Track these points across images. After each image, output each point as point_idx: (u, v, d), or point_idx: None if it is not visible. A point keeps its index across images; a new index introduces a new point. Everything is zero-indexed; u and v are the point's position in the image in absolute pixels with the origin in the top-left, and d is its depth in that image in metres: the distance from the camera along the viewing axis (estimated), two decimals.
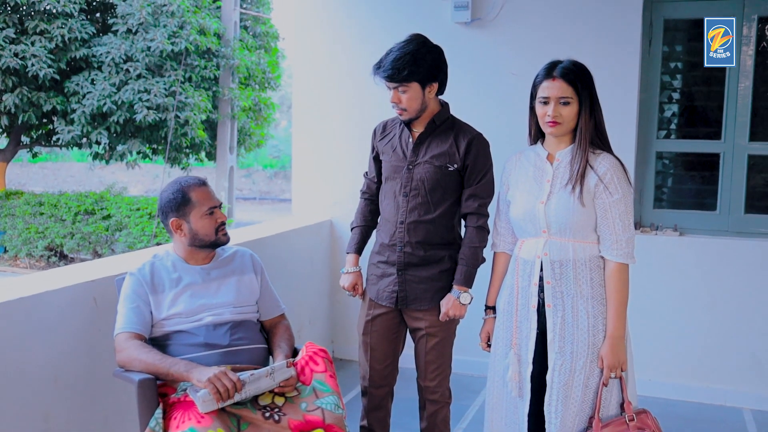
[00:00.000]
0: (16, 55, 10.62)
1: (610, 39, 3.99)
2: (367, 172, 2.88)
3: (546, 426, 2.29)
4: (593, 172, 2.22)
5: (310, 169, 4.73)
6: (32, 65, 10.62)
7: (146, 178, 20.69)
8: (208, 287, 2.45)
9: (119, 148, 12.06)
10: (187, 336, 2.35)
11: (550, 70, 2.25)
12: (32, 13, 11.39)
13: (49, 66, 10.81)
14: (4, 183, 13.65)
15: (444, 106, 2.68)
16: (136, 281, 2.39)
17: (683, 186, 4.35)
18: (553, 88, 2.23)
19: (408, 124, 2.65)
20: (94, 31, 11.46)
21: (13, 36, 10.78)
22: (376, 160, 2.79)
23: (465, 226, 2.66)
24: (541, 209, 2.29)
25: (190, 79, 11.84)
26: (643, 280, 4.01)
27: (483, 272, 2.69)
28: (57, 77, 11.04)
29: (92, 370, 2.57)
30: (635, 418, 2.21)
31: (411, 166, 2.63)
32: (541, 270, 2.30)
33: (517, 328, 2.37)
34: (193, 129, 11.59)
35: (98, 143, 11.90)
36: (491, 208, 2.66)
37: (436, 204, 2.61)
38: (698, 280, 3.99)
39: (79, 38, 11.16)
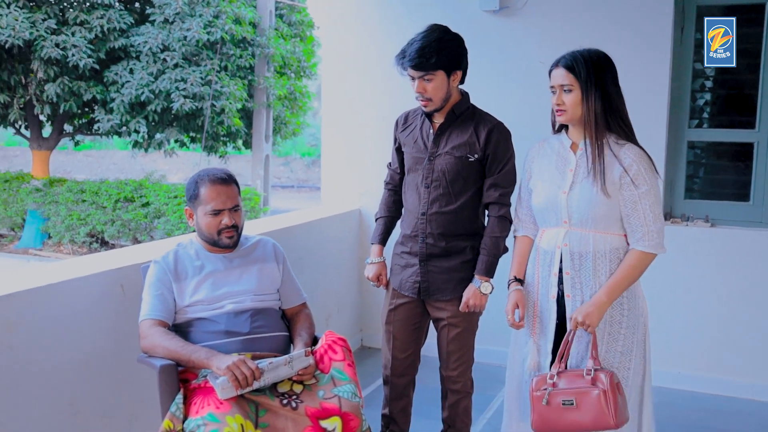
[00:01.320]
0: (57, 45, 10.85)
1: (640, 27, 3.92)
2: (390, 163, 2.88)
3: None
4: (618, 163, 2.20)
5: (340, 158, 4.76)
6: (72, 55, 10.84)
7: (187, 166, 20.97)
8: (230, 275, 2.49)
9: (157, 136, 12.27)
10: (208, 323, 2.40)
11: (558, 60, 2.27)
12: (73, 4, 11.63)
13: (89, 56, 11.03)
14: (48, 171, 14.00)
15: (464, 95, 2.67)
16: (160, 269, 2.45)
17: (715, 176, 4.26)
18: (556, 76, 2.27)
19: (429, 115, 2.65)
20: (132, 21, 11.64)
21: (55, 27, 11.01)
22: (399, 151, 2.80)
23: (487, 216, 2.66)
24: (563, 199, 2.28)
25: (225, 68, 11.97)
26: (673, 271, 3.97)
27: (505, 259, 2.68)
28: (96, 67, 11.26)
29: (119, 355, 2.65)
30: (593, 373, 2.19)
31: (432, 158, 2.63)
32: (561, 261, 2.30)
33: (537, 317, 2.38)
34: (229, 117, 11.72)
35: (137, 132, 12.12)
36: (514, 197, 2.65)
37: (458, 195, 2.61)
38: (730, 272, 3.92)
39: (117, 28, 11.35)
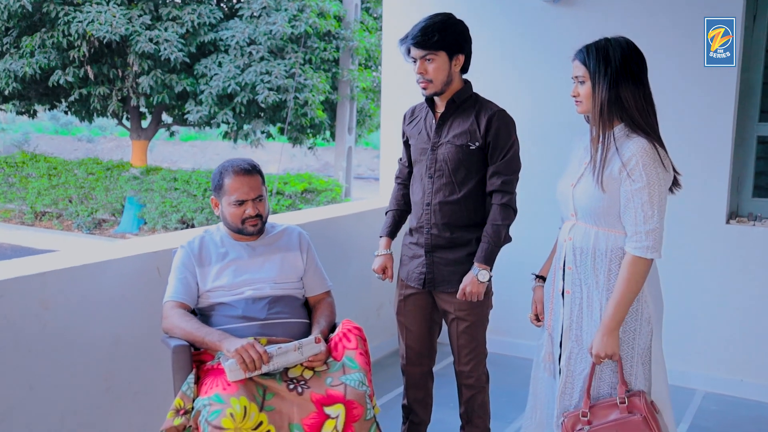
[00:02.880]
0: (150, 40, 11.40)
1: (709, 16, 3.71)
2: (400, 158, 2.88)
3: (556, 402, 2.27)
4: (618, 157, 2.10)
5: (396, 150, 4.76)
6: (165, 49, 11.36)
7: (284, 157, 21.51)
8: (253, 263, 2.55)
9: (245, 127, 12.67)
10: (227, 308, 2.47)
11: (577, 51, 2.19)
12: (166, 1, 12.16)
13: (180, 50, 11.51)
14: (145, 159, 14.73)
15: (467, 84, 2.63)
16: (186, 254, 2.54)
17: None
18: (573, 67, 2.21)
19: (431, 104, 2.62)
20: (222, 16, 12.07)
21: (149, 22, 11.58)
22: (406, 144, 2.79)
23: (490, 204, 2.61)
24: (569, 192, 2.22)
25: (310, 61, 12.21)
26: (738, 274, 3.76)
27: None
28: (187, 60, 11.74)
29: (152, 335, 2.75)
30: (626, 401, 2.11)
31: (434, 147, 2.61)
32: (566, 255, 2.24)
33: (552, 310, 2.33)
34: (312, 109, 11.96)
35: (226, 123, 12.57)
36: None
37: (461, 184, 2.58)
38: None
39: (207, 23, 11.80)
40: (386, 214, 2.87)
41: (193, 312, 2.52)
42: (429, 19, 2.52)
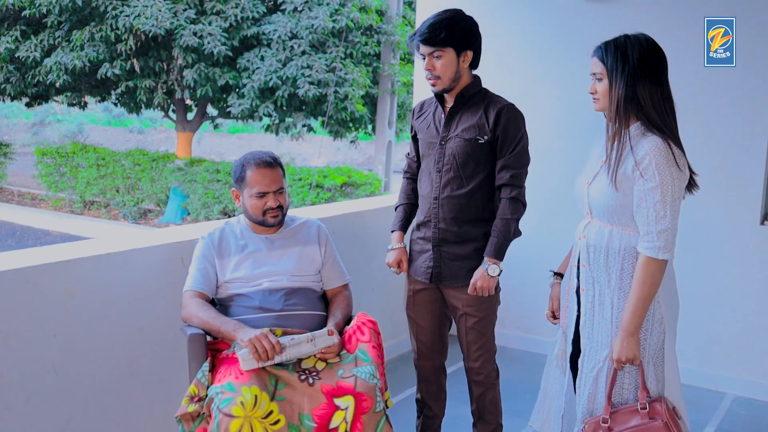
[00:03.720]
0: (195, 34, 11.60)
1: (742, 14, 3.61)
2: (409, 153, 2.89)
3: (576, 408, 2.26)
4: (632, 156, 2.07)
5: None
6: (208, 43, 11.54)
7: (329, 151, 21.66)
8: (271, 256, 2.60)
9: (286, 120, 12.81)
10: (245, 299, 2.52)
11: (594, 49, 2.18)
12: None
13: (223, 44, 11.68)
14: (190, 151, 15.01)
15: (475, 79, 2.63)
16: (206, 245, 2.60)
17: None
18: (592, 65, 2.18)
19: (440, 99, 2.63)
20: (265, 11, 12.21)
21: (194, 17, 11.77)
22: (415, 139, 2.79)
23: (499, 198, 2.60)
24: (585, 190, 2.21)
25: (351, 56, 12.26)
26: None
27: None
28: (230, 54, 11.91)
29: (176, 323, 2.82)
30: (647, 407, 2.09)
31: (443, 142, 2.61)
32: (580, 253, 2.23)
33: (566, 308, 2.33)
34: (352, 103, 12.01)
35: (269, 116, 12.72)
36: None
37: (469, 178, 2.58)
38: None
39: (250, 17, 11.95)
40: (396, 209, 2.89)
41: (213, 302, 2.58)
42: (437, 15, 2.53)
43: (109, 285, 2.65)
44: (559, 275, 2.48)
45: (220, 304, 2.58)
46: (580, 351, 2.26)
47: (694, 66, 3.67)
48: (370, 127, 14.16)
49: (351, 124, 13.37)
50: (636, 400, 2.15)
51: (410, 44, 2.60)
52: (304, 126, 13.19)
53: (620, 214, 2.13)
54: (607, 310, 2.17)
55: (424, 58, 2.55)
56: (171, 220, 14.15)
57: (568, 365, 2.33)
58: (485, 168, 2.59)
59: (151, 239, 2.92)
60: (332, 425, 2.22)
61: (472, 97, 2.61)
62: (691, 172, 2.15)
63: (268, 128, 13.62)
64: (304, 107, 12.49)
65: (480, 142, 2.55)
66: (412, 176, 2.86)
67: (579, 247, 2.25)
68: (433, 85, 2.59)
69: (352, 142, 14.29)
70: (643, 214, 2.06)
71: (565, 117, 4.16)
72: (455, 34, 2.49)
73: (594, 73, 2.18)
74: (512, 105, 2.59)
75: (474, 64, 2.60)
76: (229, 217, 13.02)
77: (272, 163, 2.58)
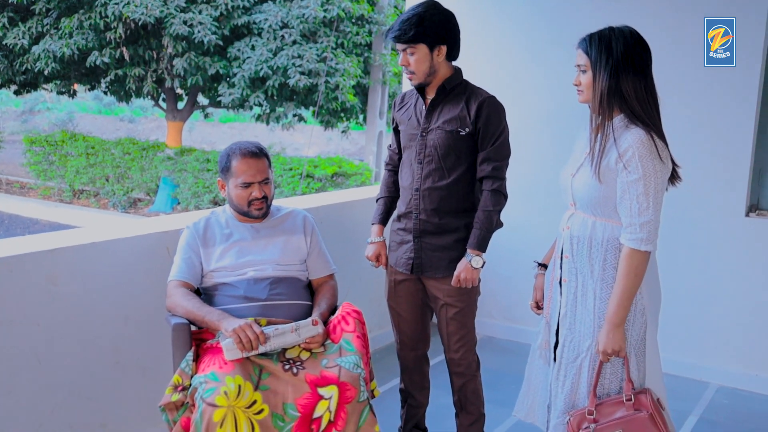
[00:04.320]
0: (185, 22, 11.53)
1: (735, 1, 3.62)
2: (390, 144, 2.89)
3: (551, 399, 2.28)
4: (615, 148, 2.08)
5: None
6: (198, 32, 11.48)
7: (321, 140, 21.59)
8: (256, 245, 2.60)
9: (277, 110, 12.77)
10: (230, 288, 2.52)
11: (580, 39, 2.17)
12: None
13: (214, 33, 11.62)
14: (180, 140, 14.94)
15: (456, 71, 2.62)
16: (191, 234, 2.59)
17: None
18: (576, 56, 2.18)
19: (421, 91, 2.63)
20: (255, 0, 12.12)
21: (184, 5, 11.70)
22: (396, 131, 2.79)
23: (481, 190, 2.61)
24: (569, 181, 2.21)
25: (342, 45, 12.22)
26: (758, 268, 3.70)
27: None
28: (221, 43, 11.85)
29: (161, 312, 2.82)
30: (633, 398, 2.11)
31: (424, 133, 2.61)
32: (563, 244, 2.24)
33: (550, 298, 2.34)
34: (343, 94, 11.98)
35: (259, 105, 12.67)
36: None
37: (450, 170, 2.58)
38: None
39: (241, 6, 11.89)
40: (377, 201, 2.89)
41: (198, 291, 2.57)
42: (409, 11, 2.52)
43: (93, 274, 2.64)
44: (543, 266, 2.49)
45: (205, 294, 2.58)
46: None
47: (681, 59, 3.68)
48: (361, 117, 14.15)
49: (342, 114, 13.34)
50: (617, 392, 2.17)
51: (386, 39, 2.60)
52: (295, 116, 13.16)
53: (603, 206, 2.14)
54: (590, 301, 2.18)
55: (399, 53, 2.56)
56: (161, 209, 14.10)
57: (552, 355, 2.34)
58: (466, 160, 2.59)
59: (136, 229, 2.91)
60: (316, 415, 2.22)
61: (454, 89, 2.61)
62: (674, 164, 2.15)
63: (258, 118, 13.57)
64: (294, 97, 12.44)
65: (461, 134, 2.56)
66: (393, 168, 2.86)
67: (562, 238, 2.26)
68: (410, 80, 2.60)
69: (343, 132, 14.26)
70: (626, 205, 2.07)
71: (551, 109, 4.16)
72: (426, 29, 2.48)
73: (578, 65, 2.18)
74: (493, 97, 2.59)
75: (453, 55, 2.60)
76: (218, 205, 13.06)
77: (258, 154, 2.58)
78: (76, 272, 2.58)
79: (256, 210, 2.57)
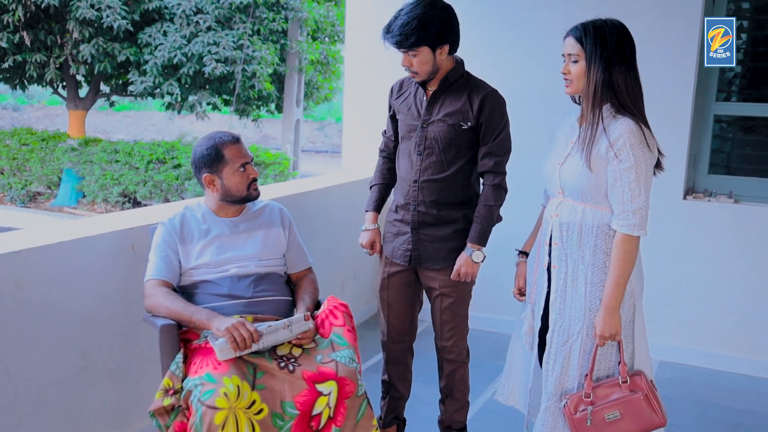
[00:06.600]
0: (92, 6, 10.97)
1: (707, 15, 3.78)
2: (385, 131, 2.87)
3: (543, 383, 2.33)
4: (605, 137, 2.15)
5: (361, 124, 4.74)
6: (107, 16, 10.95)
7: (225, 128, 21.04)
8: (236, 240, 2.52)
9: (190, 98, 12.38)
10: (212, 286, 2.44)
11: (570, 29, 2.21)
12: None
13: (123, 17, 11.12)
14: (83, 130, 14.23)
15: (458, 62, 2.63)
16: (167, 231, 2.48)
17: (741, 151, 4.15)
18: (566, 45, 2.22)
19: (422, 82, 2.62)
20: None
21: None
22: (393, 119, 2.78)
23: (482, 185, 2.64)
24: (557, 171, 2.26)
25: (258, 32, 11.99)
26: (694, 247, 3.91)
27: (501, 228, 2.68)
28: (131, 29, 11.36)
29: (128, 313, 2.70)
30: (628, 380, 2.20)
31: (425, 125, 2.61)
32: (552, 231, 2.29)
33: (535, 285, 2.39)
34: (260, 81, 11.77)
35: (171, 94, 12.24)
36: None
37: (450, 162, 2.60)
38: (753, 249, 3.83)
39: None
40: (371, 188, 2.86)
41: (175, 290, 2.47)
42: (407, 14, 2.44)
43: (60, 275, 2.49)
44: (525, 254, 2.54)
45: (184, 292, 2.48)
46: (548, 327, 2.34)
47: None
48: (272, 105, 13.93)
49: (257, 103, 13.10)
50: (609, 375, 2.24)
51: (383, 40, 2.53)
52: (208, 104, 12.80)
53: (593, 193, 2.20)
54: (581, 286, 2.24)
55: (401, 53, 2.52)
56: (64, 203, 13.41)
57: (537, 340, 2.40)
58: (466, 153, 2.60)
59: (99, 226, 2.76)
60: (315, 411, 2.19)
61: (456, 81, 2.61)
62: (660, 153, 2.24)
63: (168, 106, 13.10)
64: (208, 85, 12.11)
65: (463, 127, 2.56)
66: (388, 155, 2.84)
67: (551, 225, 2.31)
68: (413, 78, 2.58)
69: (253, 120, 14.00)
70: (618, 193, 2.14)
71: (531, 100, 4.16)
72: (427, 34, 2.44)
73: (569, 54, 2.20)
74: (496, 91, 2.60)
75: (454, 49, 2.58)
76: (129, 199, 12.56)
77: (239, 138, 2.56)
78: (43, 274, 2.42)
79: (255, 191, 2.55)
